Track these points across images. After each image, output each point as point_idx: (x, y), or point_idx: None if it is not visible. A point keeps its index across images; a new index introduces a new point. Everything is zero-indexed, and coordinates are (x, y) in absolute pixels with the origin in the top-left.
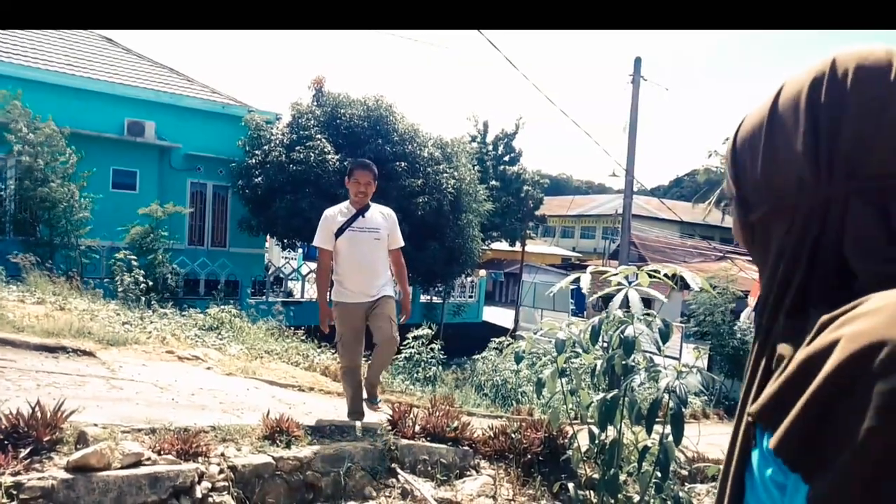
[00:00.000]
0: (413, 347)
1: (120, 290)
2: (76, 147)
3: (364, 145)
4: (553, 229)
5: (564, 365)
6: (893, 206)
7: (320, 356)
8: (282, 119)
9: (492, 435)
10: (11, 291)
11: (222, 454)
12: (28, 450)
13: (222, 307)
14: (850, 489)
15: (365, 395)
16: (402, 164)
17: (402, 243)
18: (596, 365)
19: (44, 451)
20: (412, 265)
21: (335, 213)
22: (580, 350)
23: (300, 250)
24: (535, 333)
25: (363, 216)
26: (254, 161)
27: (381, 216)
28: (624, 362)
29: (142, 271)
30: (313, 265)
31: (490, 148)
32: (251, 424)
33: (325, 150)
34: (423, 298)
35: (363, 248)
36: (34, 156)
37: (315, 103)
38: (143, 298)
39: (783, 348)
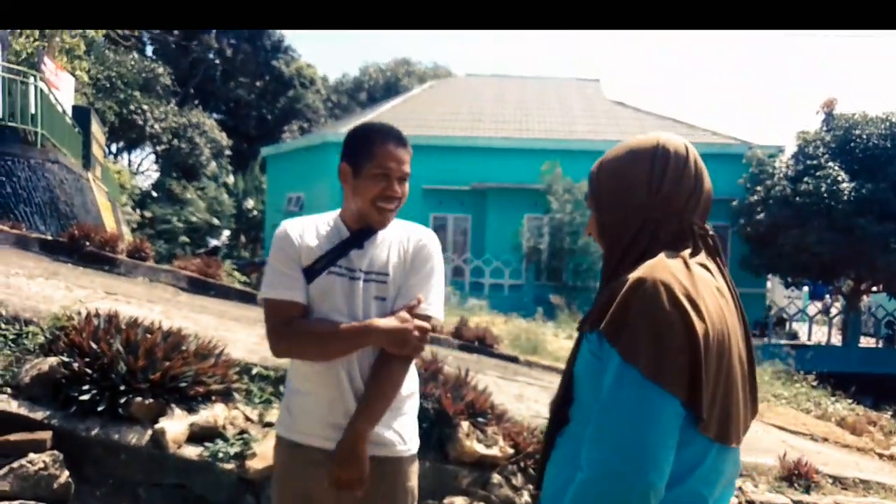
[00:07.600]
0: None
1: None
2: None
3: (886, 167)
4: None
5: None
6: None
7: (834, 405)
8: (784, 151)
9: None
10: (548, 327)
11: (740, 488)
12: None
13: None
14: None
15: None
16: None
17: (436, 314)
18: None
19: None
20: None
21: (300, 231)
22: None
23: (805, 288)
24: None
25: (362, 245)
26: (755, 198)
27: (402, 249)
28: None
29: None
30: (819, 304)
31: None
32: (766, 463)
33: (838, 177)
34: None
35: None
36: (565, 213)
37: (824, 128)
38: None
39: (607, 289)
